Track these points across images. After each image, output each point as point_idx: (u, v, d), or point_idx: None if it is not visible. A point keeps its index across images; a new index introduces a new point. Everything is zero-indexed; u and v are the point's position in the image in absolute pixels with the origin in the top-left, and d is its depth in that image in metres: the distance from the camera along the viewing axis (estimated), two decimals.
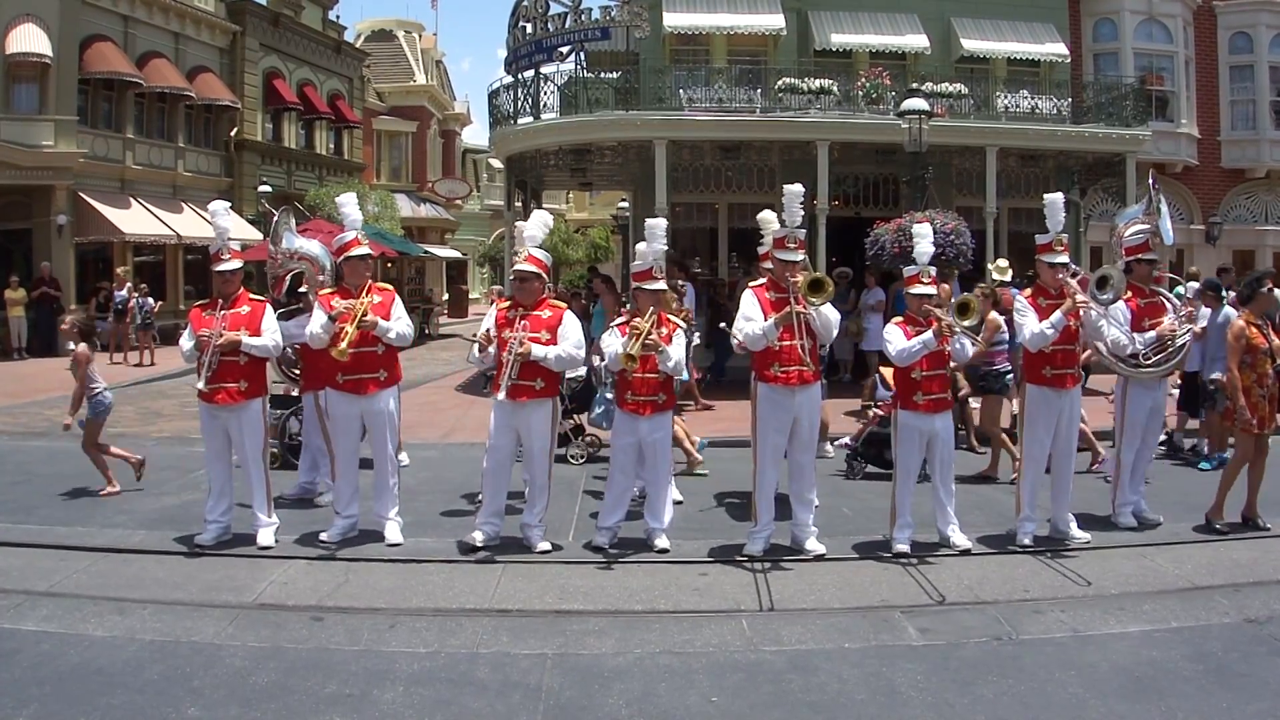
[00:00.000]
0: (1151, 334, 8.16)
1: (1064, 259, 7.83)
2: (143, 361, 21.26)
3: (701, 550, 7.57)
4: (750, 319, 7.30)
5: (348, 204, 7.93)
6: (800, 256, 7.37)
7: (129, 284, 22.19)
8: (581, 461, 11.05)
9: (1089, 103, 19.51)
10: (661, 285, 7.60)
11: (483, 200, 51.30)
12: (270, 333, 7.63)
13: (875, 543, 7.68)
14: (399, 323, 7.59)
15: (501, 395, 7.28)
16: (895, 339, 7.49)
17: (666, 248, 7.85)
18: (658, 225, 7.77)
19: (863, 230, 16.05)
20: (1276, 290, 9.96)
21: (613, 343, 7.46)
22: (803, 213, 7.53)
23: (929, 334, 7.34)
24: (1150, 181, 8.82)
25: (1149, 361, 8.15)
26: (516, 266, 7.53)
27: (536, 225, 7.68)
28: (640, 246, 7.75)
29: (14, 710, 4.85)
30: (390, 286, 8.13)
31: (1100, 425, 10.34)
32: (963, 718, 4.89)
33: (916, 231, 7.94)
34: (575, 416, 11.08)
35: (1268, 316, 8.45)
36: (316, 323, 7.53)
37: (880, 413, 10.17)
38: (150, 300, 22.35)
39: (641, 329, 7.26)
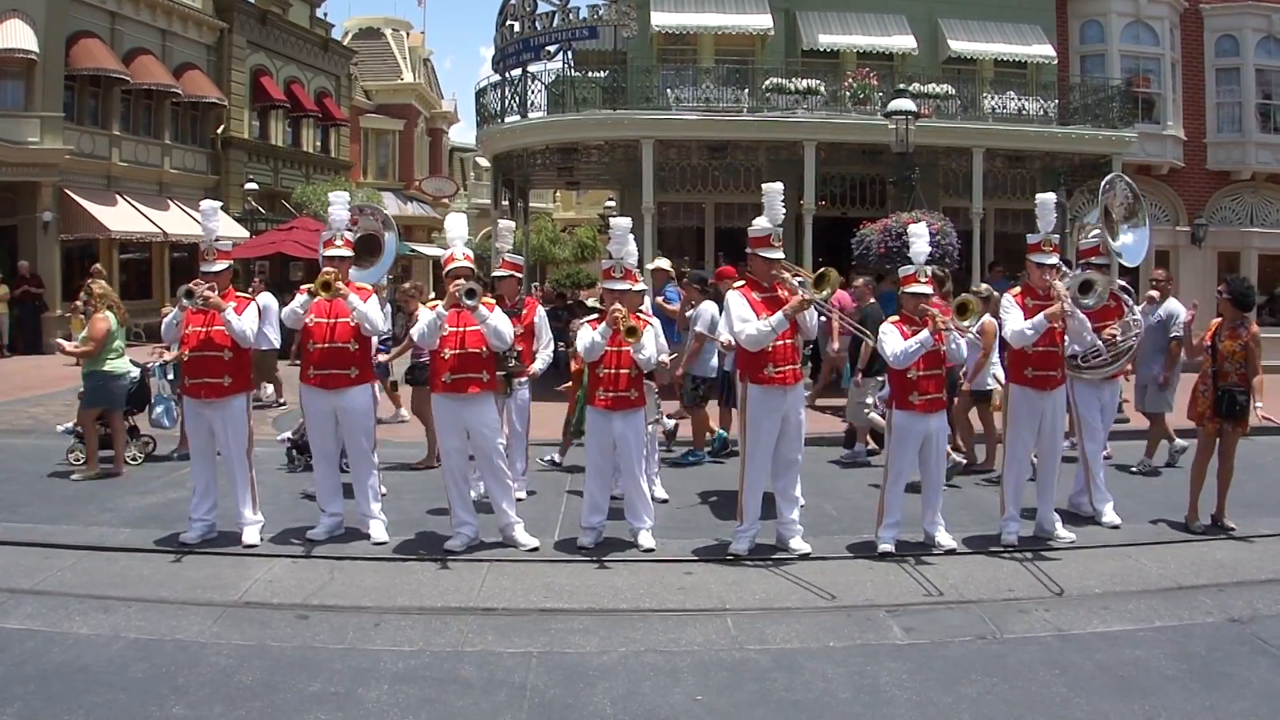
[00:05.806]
0: (1099, 342, 8.20)
1: (1053, 260, 7.80)
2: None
3: (686, 549, 7.56)
4: (746, 319, 7.23)
5: (337, 203, 7.89)
6: (782, 255, 7.41)
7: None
8: (139, 462, 10.44)
9: (1075, 104, 19.57)
10: (624, 285, 7.54)
11: (470, 199, 51.17)
12: (250, 322, 7.59)
13: (861, 542, 7.69)
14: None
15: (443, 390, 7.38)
16: (891, 340, 7.43)
17: (633, 249, 7.86)
18: (620, 225, 7.75)
19: (849, 231, 16.09)
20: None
21: (586, 336, 7.41)
22: (784, 210, 7.55)
23: (925, 333, 7.30)
24: (1117, 181, 8.74)
25: (1087, 365, 8.29)
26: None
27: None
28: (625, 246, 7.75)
29: None
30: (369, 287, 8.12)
31: None
32: (947, 717, 4.90)
33: (912, 231, 7.87)
34: (131, 417, 10.52)
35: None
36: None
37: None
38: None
39: (622, 313, 7.27)
